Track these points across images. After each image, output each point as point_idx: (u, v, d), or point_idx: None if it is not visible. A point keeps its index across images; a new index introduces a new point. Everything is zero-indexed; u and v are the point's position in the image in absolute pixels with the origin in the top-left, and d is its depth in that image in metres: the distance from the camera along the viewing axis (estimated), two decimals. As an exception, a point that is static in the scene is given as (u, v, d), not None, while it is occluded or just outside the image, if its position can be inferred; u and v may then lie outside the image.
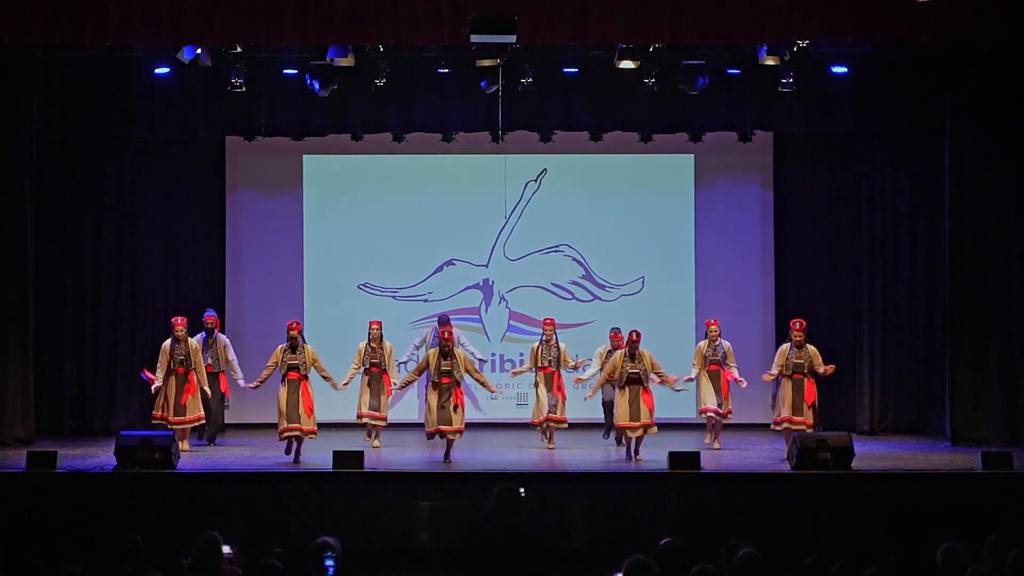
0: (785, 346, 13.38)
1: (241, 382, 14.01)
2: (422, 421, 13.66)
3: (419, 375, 13.47)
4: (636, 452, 13.07)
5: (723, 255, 16.10)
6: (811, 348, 13.32)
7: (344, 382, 13.64)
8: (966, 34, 12.40)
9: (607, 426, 14.39)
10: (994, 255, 14.30)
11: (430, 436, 13.16)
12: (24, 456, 11.92)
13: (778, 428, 13.29)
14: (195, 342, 13.74)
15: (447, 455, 12.87)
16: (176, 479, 11.62)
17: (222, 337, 14.40)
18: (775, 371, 13.32)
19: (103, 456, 12.43)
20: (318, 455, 12.75)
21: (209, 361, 14.14)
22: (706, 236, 16.12)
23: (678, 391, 13.62)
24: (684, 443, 13.41)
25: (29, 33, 12.44)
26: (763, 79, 14.46)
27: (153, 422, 13.62)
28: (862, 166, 15.62)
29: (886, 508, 11.14)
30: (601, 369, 13.74)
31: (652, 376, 13.09)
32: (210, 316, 14.41)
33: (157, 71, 14.20)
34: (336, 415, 14.66)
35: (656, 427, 13.13)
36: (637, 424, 12.97)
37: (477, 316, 16.12)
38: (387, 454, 13.18)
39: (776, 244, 16.07)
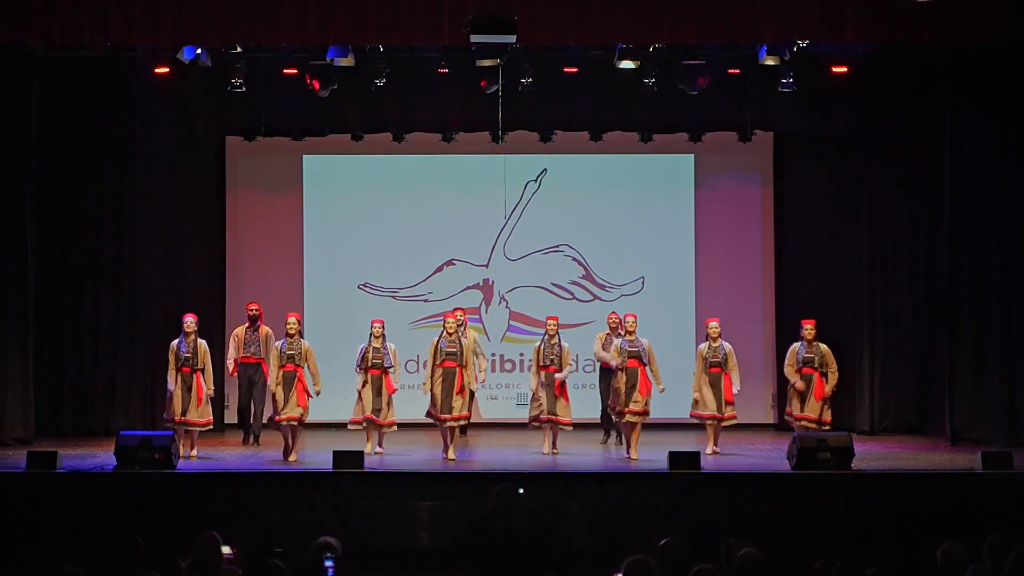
0: (796, 344, 13.44)
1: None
2: (420, 421, 13.62)
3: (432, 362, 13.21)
4: (629, 447, 13.02)
5: (723, 255, 16.11)
6: (823, 346, 13.37)
7: (359, 387, 13.24)
8: (966, 34, 12.38)
9: (605, 430, 14.37)
10: (994, 255, 14.30)
11: (429, 416, 13.11)
12: (24, 456, 11.91)
13: (788, 420, 13.59)
14: (204, 344, 13.24)
15: (449, 447, 12.85)
16: (176, 479, 11.61)
17: (265, 327, 14.27)
18: (790, 370, 13.34)
19: (103, 456, 12.41)
20: (318, 455, 12.75)
21: (252, 351, 14.19)
22: (706, 236, 16.13)
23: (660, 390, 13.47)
24: (684, 443, 13.39)
25: (29, 33, 12.43)
26: (763, 79, 14.45)
27: (166, 424, 13.19)
28: (862, 166, 15.60)
29: (886, 508, 11.12)
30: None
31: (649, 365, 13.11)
32: (252, 304, 14.36)
33: (157, 71, 14.19)
34: (336, 415, 14.64)
35: (647, 414, 13.10)
36: (633, 411, 12.96)
37: (477, 316, 16.10)
38: (387, 454, 13.15)
39: (776, 244, 16.07)
